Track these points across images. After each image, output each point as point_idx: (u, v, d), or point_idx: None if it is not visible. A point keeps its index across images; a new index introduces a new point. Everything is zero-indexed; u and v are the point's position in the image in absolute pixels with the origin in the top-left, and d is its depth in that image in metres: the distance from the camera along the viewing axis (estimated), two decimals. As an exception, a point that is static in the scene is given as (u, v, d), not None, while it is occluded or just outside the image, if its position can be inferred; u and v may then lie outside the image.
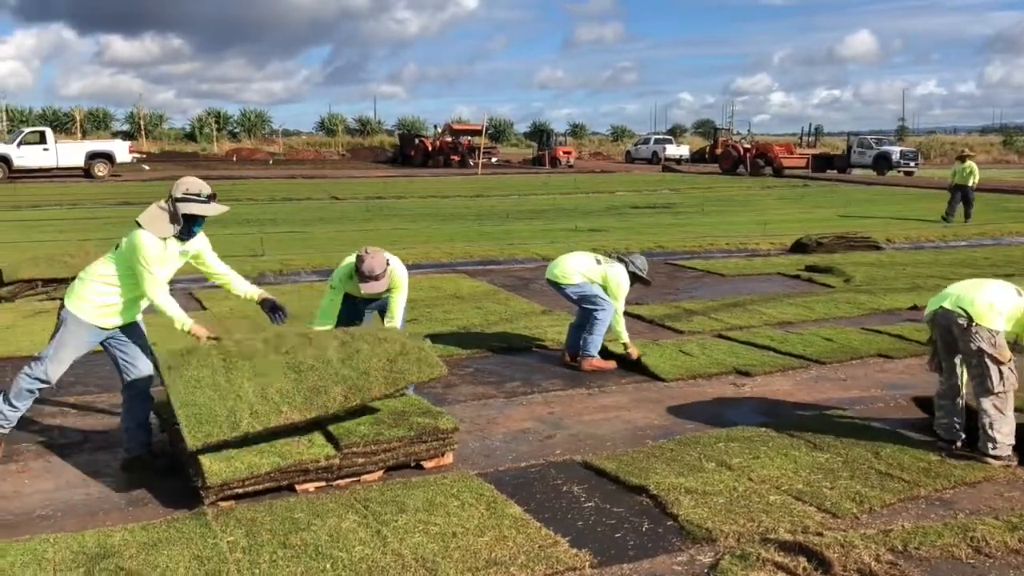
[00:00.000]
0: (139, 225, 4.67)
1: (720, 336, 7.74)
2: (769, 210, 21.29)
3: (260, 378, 4.42)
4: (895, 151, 40.56)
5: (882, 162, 39.41)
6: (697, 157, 49.63)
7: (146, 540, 3.77)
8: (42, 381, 4.69)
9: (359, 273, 5.43)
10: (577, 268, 6.76)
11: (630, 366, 6.74)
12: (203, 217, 4.78)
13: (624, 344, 6.74)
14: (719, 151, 43.62)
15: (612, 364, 6.74)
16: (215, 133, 57.26)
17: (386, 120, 72.10)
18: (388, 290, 5.60)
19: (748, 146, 41.71)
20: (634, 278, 6.87)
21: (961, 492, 4.41)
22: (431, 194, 26.17)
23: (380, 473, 4.58)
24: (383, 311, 5.81)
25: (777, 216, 19.38)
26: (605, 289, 6.69)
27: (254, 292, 5.12)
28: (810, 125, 50.00)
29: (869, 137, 44.44)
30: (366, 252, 5.44)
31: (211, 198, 4.79)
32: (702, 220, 18.58)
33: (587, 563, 3.63)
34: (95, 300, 4.73)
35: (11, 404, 4.69)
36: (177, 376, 4.43)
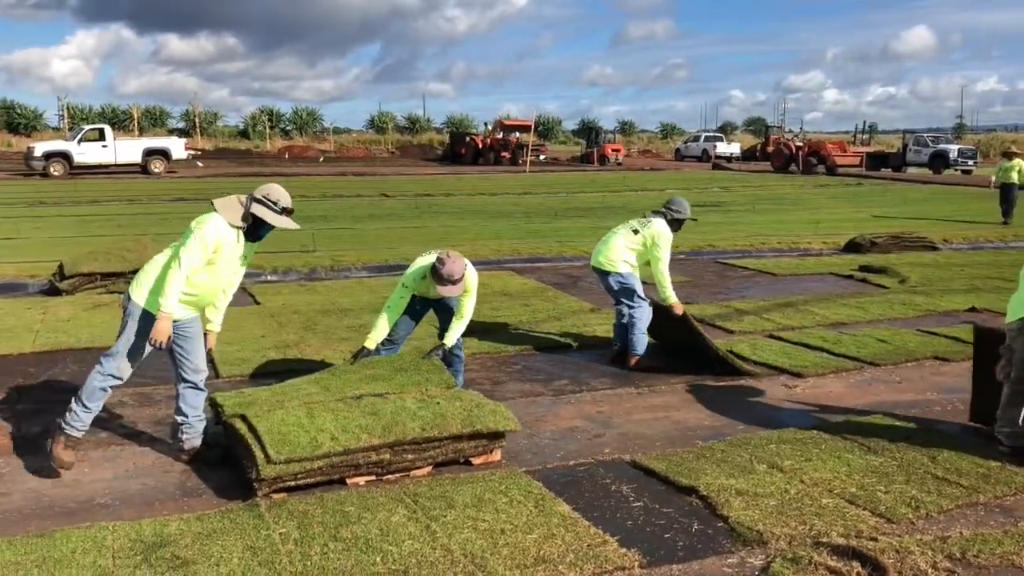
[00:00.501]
0: (213, 208, 4.70)
1: (771, 336, 7.65)
2: (822, 209, 20.96)
3: (341, 419, 4.52)
4: (953, 149, 39.66)
5: (939, 160, 38.57)
6: (748, 155, 49.09)
7: (201, 530, 3.84)
8: (114, 377, 4.67)
9: (437, 276, 5.48)
10: (621, 255, 6.75)
11: (680, 365, 6.69)
12: (271, 226, 4.78)
13: (671, 305, 6.69)
14: (771, 149, 43.12)
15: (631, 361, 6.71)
16: (268, 131, 58.07)
17: (435, 118, 72.60)
18: (462, 292, 5.68)
19: (800, 144, 41.15)
20: (676, 224, 6.84)
21: (1023, 499, 4.30)
22: (479, 191, 26.24)
23: (429, 469, 4.61)
24: (443, 311, 5.86)
25: (830, 215, 19.07)
26: (649, 251, 6.66)
27: (215, 324, 5.02)
28: (864, 123, 49.43)
29: (926, 135, 43.55)
30: (447, 256, 5.50)
31: (286, 211, 4.80)
32: (753, 219, 18.36)
33: (636, 563, 3.61)
34: (151, 283, 4.69)
35: (84, 405, 4.61)
36: (262, 413, 4.52)
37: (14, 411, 5.62)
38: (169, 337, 4.59)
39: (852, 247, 13.48)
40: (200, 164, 37.38)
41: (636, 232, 6.78)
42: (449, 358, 5.85)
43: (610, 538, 3.81)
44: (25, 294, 9.67)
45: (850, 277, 10.99)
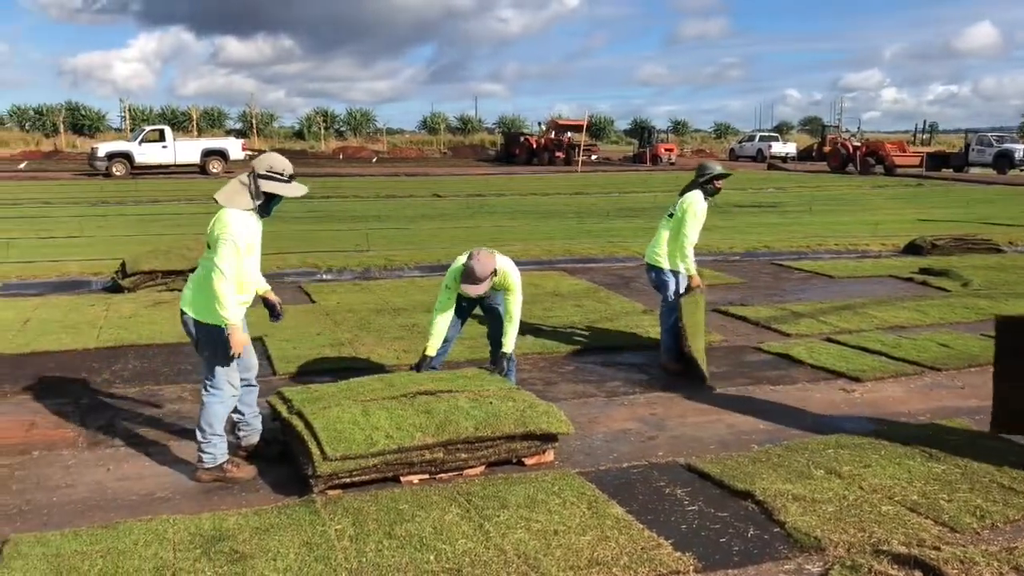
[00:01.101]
0: (217, 203, 4.57)
1: (828, 340, 7.51)
2: (880, 210, 20.55)
3: (395, 417, 4.56)
4: (1018, 149, 38.49)
5: (1003, 160, 37.49)
6: (804, 155, 48.31)
7: (258, 525, 3.91)
8: (234, 395, 4.64)
9: (464, 274, 5.48)
10: (663, 248, 6.74)
11: (734, 370, 6.61)
12: (282, 197, 4.69)
13: (690, 276, 6.60)
14: (827, 149, 42.41)
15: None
16: (322, 131, 58.81)
17: (486, 118, 72.67)
18: (505, 291, 5.66)
19: (858, 144, 40.39)
20: (708, 186, 6.70)
21: (1092, 511, 4.16)
22: (531, 191, 26.25)
23: (482, 468, 4.62)
24: (489, 311, 5.86)
25: (889, 216, 18.69)
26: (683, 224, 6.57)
27: (264, 287, 4.97)
28: (924, 122, 48.49)
29: (989, 134, 42.34)
30: (477, 253, 5.49)
31: (292, 178, 4.70)
32: (809, 220, 18.07)
33: (691, 567, 3.58)
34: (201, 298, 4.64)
35: (217, 434, 4.56)
36: (318, 411, 4.58)
37: (79, 406, 5.77)
38: (245, 344, 4.58)
39: (912, 249, 13.19)
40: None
41: (671, 215, 6.71)
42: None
43: (664, 541, 3.78)
44: (89, 291, 9.92)
45: (910, 280, 10.74)
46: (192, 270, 8.73)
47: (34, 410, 5.67)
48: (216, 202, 4.58)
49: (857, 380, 6.37)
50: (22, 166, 38.51)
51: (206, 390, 4.62)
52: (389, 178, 33.08)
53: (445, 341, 5.83)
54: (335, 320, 8.23)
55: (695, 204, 6.61)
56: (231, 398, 4.64)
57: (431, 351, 5.64)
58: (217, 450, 4.57)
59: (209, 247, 4.56)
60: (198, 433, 4.58)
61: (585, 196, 24.60)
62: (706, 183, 6.71)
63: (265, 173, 4.61)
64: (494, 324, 5.89)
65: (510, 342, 5.71)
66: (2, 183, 28.40)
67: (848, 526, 3.91)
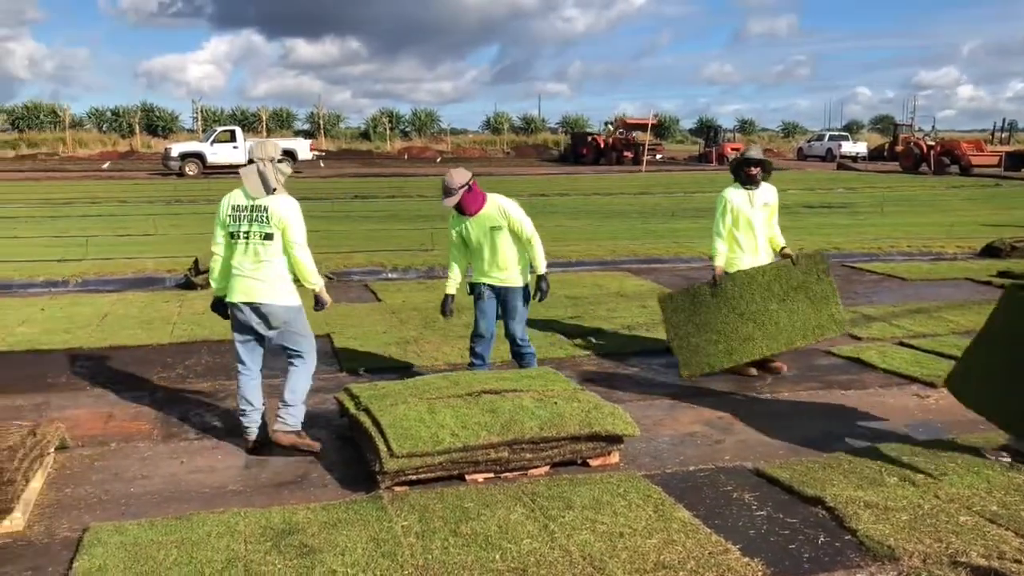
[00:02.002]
0: (270, 192, 4.87)
1: (902, 344, 7.32)
2: (956, 211, 19.95)
3: (461, 416, 4.60)
4: (1103, 147, 37.02)
5: (1087, 159, 36.08)
6: (875, 155, 47.17)
7: (327, 520, 3.96)
8: (315, 364, 5.15)
9: (442, 189, 5.70)
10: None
11: (803, 373, 6.48)
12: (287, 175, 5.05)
13: (714, 266, 6.53)
14: (900, 148, 41.30)
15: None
16: (388, 132, 59.46)
17: (549, 118, 72.64)
18: (508, 223, 5.71)
19: (932, 143, 39.22)
20: (737, 173, 6.51)
21: None
22: (594, 191, 26.15)
23: (546, 468, 4.62)
24: (508, 310, 5.85)
25: (965, 217, 18.12)
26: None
27: (313, 284, 5.10)
28: (1003, 120, 46.53)
29: (1072, 132, 40.74)
30: (450, 169, 5.74)
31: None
32: (881, 221, 17.63)
33: (759, 573, 3.52)
34: (288, 280, 4.96)
35: (298, 399, 4.96)
36: (385, 408, 4.65)
37: (154, 399, 5.93)
38: (330, 299, 5.20)
39: (990, 251, 12.76)
40: (322, 164, 38.55)
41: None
42: (520, 355, 5.94)
43: (732, 546, 3.72)
44: (163, 288, 10.20)
45: (988, 283, 10.40)
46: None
47: (112, 403, 5.85)
48: (251, 195, 4.90)
49: (932, 386, 6.19)
50: (105, 166, 39.80)
51: (295, 364, 5.03)
52: (453, 178, 33.24)
53: (483, 338, 5.86)
54: (400, 318, 8.31)
55: (720, 196, 6.53)
56: (314, 367, 5.10)
57: (450, 289, 5.93)
58: (299, 415, 4.94)
59: (266, 237, 4.85)
60: (287, 397, 4.93)
61: (649, 196, 24.40)
62: (735, 170, 6.54)
63: (284, 159, 5.02)
64: (510, 323, 5.87)
65: (541, 263, 5.79)
66: (82, 183, 29.38)
67: (923, 536, 3.80)
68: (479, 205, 5.70)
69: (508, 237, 5.73)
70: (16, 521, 3.94)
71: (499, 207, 5.71)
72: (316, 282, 5.05)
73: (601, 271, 11.37)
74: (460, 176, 5.66)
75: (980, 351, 4.95)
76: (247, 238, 4.87)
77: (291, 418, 4.89)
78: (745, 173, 6.48)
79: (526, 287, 5.83)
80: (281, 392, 4.96)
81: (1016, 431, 4.70)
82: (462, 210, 5.71)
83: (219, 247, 5.04)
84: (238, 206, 4.94)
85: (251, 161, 4.97)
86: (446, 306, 5.96)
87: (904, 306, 8.92)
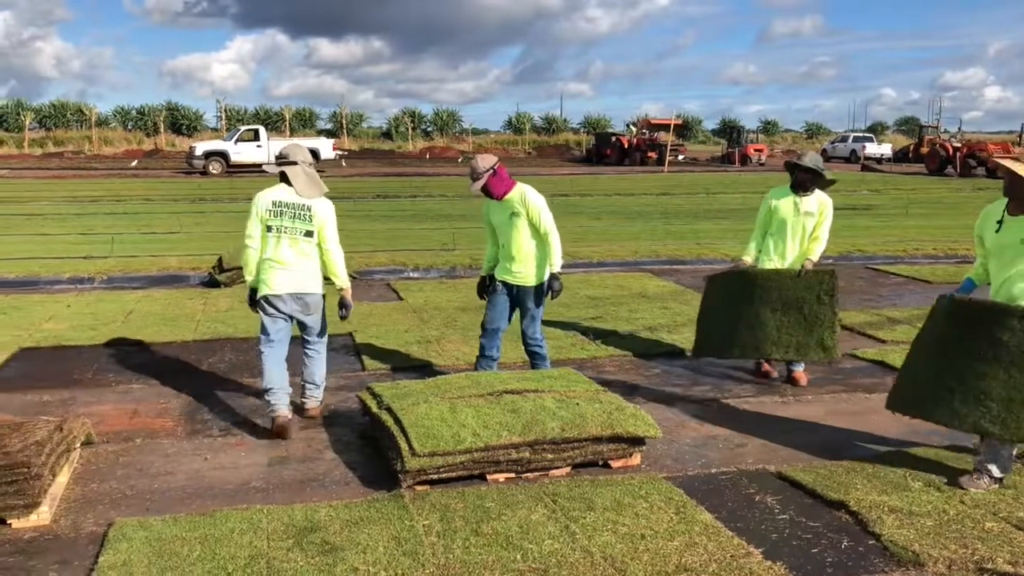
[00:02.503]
0: (321, 194, 5.36)
1: (927, 347, 7.24)
2: (982, 213, 19.71)
3: (482, 415, 4.61)
4: None
5: (1117, 162, 35.53)
6: (900, 156, 46.77)
7: (348, 518, 3.98)
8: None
9: (469, 173, 5.76)
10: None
11: (828, 376, 6.43)
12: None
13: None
14: (924, 150, 40.94)
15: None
16: (410, 132, 59.63)
17: (571, 118, 72.55)
18: (527, 211, 5.67)
19: (958, 145, 38.82)
20: (792, 171, 6.43)
21: None
22: (616, 192, 26.10)
23: (568, 469, 4.61)
24: (524, 311, 5.82)
25: (991, 220, 17.90)
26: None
27: (342, 281, 5.48)
28: (1031, 121, 45.90)
29: (1102, 134, 40.24)
30: (476, 153, 5.80)
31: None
32: (905, 223, 17.47)
33: (782, 577, 3.50)
34: (320, 272, 5.42)
35: (322, 380, 5.63)
36: (407, 407, 4.67)
37: (179, 396, 5.98)
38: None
39: (1017, 254, 12.60)
40: (344, 164, 38.71)
41: None
42: (532, 355, 5.93)
43: (754, 550, 3.70)
44: (187, 285, 10.28)
45: (1015, 287, 10.27)
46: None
47: (136, 399, 5.91)
48: (301, 195, 5.29)
49: (958, 390, 6.12)
50: (134, 163, 40.19)
51: (317, 350, 5.55)
52: (475, 178, 33.29)
53: (487, 331, 5.87)
54: (422, 318, 8.33)
55: (775, 198, 6.49)
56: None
57: (484, 272, 6.00)
58: (321, 394, 5.63)
59: (307, 235, 5.26)
60: (315, 379, 5.54)
61: (672, 197, 24.31)
62: (789, 171, 6.47)
63: (312, 161, 5.49)
64: (525, 314, 5.83)
65: (556, 259, 5.70)
66: (107, 180, 29.68)
67: (949, 542, 3.76)
68: (504, 189, 5.73)
69: (526, 228, 5.68)
70: (43, 515, 3.99)
71: (521, 193, 5.72)
72: (345, 280, 5.45)
73: (623, 272, 11.34)
74: (485, 161, 5.74)
75: (917, 363, 4.85)
76: (288, 233, 5.21)
77: (320, 393, 5.59)
78: (795, 178, 6.40)
79: (540, 286, 5.76)
80: (306, 376, 5.53)
81: (961, 425, 4.52)
82: (489, 194, 5.73)
83: (254, 240, 5.26)
84: (281, 202, 5.22)
85: (287, 161, 5.30)
86: (481, 287, 6.02)
87: (929, 309, 8.81)
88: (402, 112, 64.49)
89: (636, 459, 4.77)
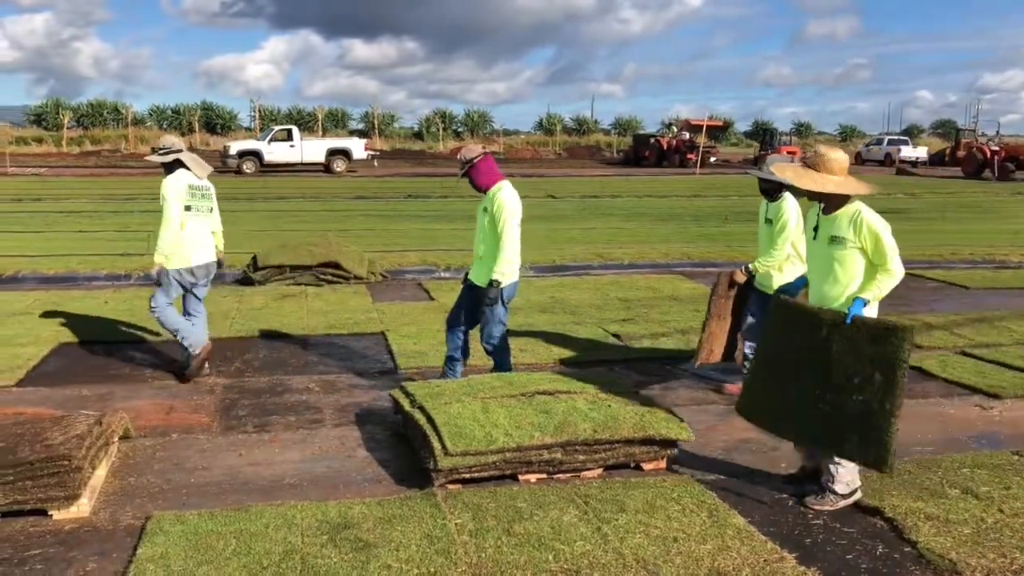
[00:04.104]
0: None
1: (964, 353, 7.15)
2: (1020, 218, 19.42)
3: (514, 416, 4.62)
4: None
5: None
6: (936, 160, 46.19)
7: (382, 515, 4.01)
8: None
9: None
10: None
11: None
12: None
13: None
14: (961, 153, 40.42)
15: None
16: (440, 132, 59.79)
17: (602, 119, 72.31)
18: (493, 211, 5.53)
19: (996, 148, 38.22)
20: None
21: None
22: (647, 193, 26.00)
23: (600, 471, 4.61)
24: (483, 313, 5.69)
25: (1030, 225, 17.63)
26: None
27: (222, 248, 6.71)
28: (1072, 125, 45.08)
29: None
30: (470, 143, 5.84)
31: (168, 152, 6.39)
32: (942, 227, 17.24)
33: (816, 583, 3.48)
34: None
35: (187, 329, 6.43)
36: (439, 406, 4.70)
37: (214, 392, 6.05)
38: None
39: (1056, 260, 12.41)
40: (375, 164, 38.88)
41: None
42: (490, 357, 5.87)
43: (788, 555, 3.68)
44: (222, 283, 10.36)
45: (1054, 293, 10.11)
46: (320, 265, 9.41)
47: (173, 394, 5.99)
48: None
49: (996, 397, 6.04)
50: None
51: (201, 310, 6.52)
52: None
53: (448, 326, 5.89)
54: (453, 318, 8.35)
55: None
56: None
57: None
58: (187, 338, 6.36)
59: (210, 211, 6.57)
60: (205, 338, 6.40)
61: (704, 199, 24.18)
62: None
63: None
64: (482, 321, 5.74)
65: (501, 267, 5.47)
66: (143, 179, 30.07)
67: (987, 550, 3.71)
68: (485, 183, 5.64)
69: (492, 226, 5.56)
70: (83, 507, 4.06)
71: (496, 190, 5.60)
72: (222, 246, 6.69)
73: (654, 274, 11.30)
74: (469, 152, 5.76)
75: (759, 369, 4.68)
76: (202, 212, 6.37)
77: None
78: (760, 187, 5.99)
79: (503, 291, 5.59)
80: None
81: (798, 439, 4.44)
82: (473, 185, 5.71)
83: (176, 222, 6.21)
84: (193, 185, 6.30)
85: (175, 150, 6.36)
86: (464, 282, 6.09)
87: (966, 315, 8.72)
88: (433, 113, 64.73)
89: (667, 461, 4.75)
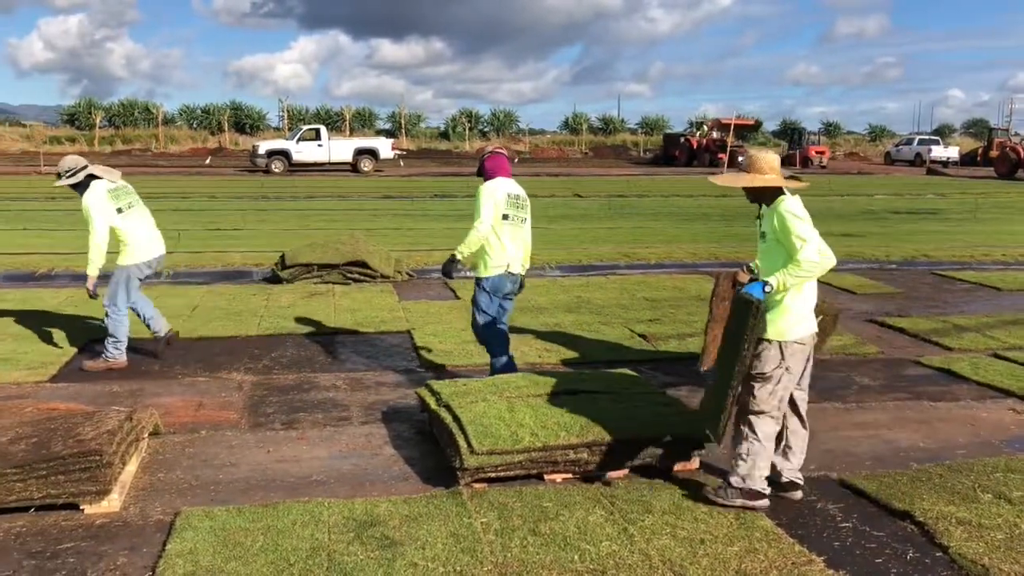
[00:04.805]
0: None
1: (996, 356, 7.05)
2: (1055, 219, 19.11)
3: (540, 415, 4.62)
4: None
5: None
6: (967, 160, 45.56)
7: (408, 513, 4.02)
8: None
9: None
10: None
11: (892, 382, 6.30)
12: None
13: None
14: (994, 153, 39.83)
15: None
16: (466, 132, 59.87)
17: (628, 119, 72.01)
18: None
19: (1030, 147, 37.67)
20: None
21: None
22: (673, 193, 25.91)
23: (626, 471, 4.59)
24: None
25: (1065, 226, 17.34)
26: None
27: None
28: (1109, 124, 44.31)
29: None
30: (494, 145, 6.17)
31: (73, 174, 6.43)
32: (974, 228, 17.01)
33: (845, 587, 3.44)
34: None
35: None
36: (465, 405, 4.72)
37: (242, 389, 6.10)
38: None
39: (1092, 262, 12.20)
40: (402, 164, 39.02)
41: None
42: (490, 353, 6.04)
43: (816, 558, 3.65)
44: (251, 281, 10.48)
45: (1090, 295, 9.94)
46: (346, 264, 9.41)
47: (202, 391, 6.05)
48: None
49: (1029, 400, 5.95)
50: (207, 161, 41.08)
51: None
52: (531, 178, 33.33)
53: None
54: (479, 317, 8.36)
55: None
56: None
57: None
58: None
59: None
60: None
61: (730, 199, 23.99)
62: None
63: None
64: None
65: (461, 245, 6.03)
66: (173, 178, 30.40)
67: (1020, 556, 3.65)
68: (486, 177, 6.17)
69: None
70: (113, 502, 4.11)
71: (483, 183, 6.05)
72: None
73: (681, 274, 11.25)
74: (482, 151, 6.17)
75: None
76: (135, 206, 6.61)
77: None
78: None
79: (479, 280, 6.02)
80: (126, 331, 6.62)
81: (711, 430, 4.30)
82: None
83: (104, 234, 6.39)
84: (116, 187, 6.47)
85: (83, 164, 6.45)
86: (450, 269, 6.42)
87: (999, 317, 8.59)
88: (459, 112, 64.73)
89: (695, 463, 4.73)
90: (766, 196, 4.33)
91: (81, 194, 6.39)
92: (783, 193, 4.29)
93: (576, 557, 3.62)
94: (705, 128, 46.25)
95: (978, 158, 43.93)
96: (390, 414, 5.58)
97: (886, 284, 10.57)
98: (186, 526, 3.87)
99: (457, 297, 9.40)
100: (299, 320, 8.09)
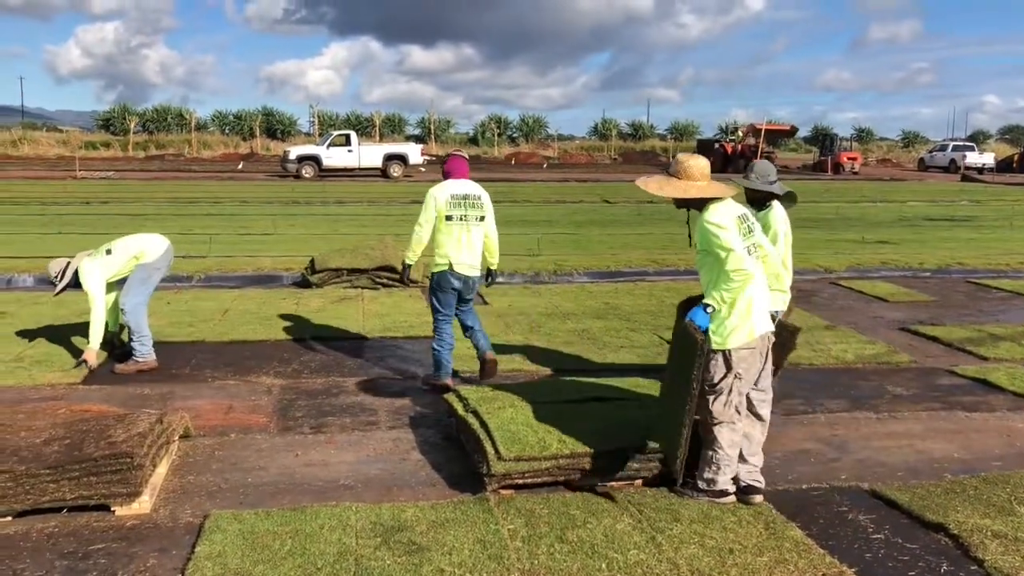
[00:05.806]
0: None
1: (1033, 366, 6.93)
2: (1093, 227, 18.76)
3: (568, 422, 4.60)
4: None
5: None
6: (1003, 166, 44.90)
7: (435, 519, 4.02)
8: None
9: None
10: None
11: (924, 392, 6.21)
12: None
13: None
14: (1031, 159, 39.16)
15: None
16: (496, 137, 60.00)
17: (658, 124, 71.84)
18: None
19: (1068, 154, 37.03)
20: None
21: None
22: (704, 200, 25.67)
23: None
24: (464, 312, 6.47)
25: (1104, 234, 17.02)
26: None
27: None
28: None
29: None
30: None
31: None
32: (1010, 236, 16.74)
33: (877, 599, 3.39)
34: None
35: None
36: (493, 411, 4.72)
37: (272, 393, 6.14)
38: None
39: None
40: (423, 169, 39.09)
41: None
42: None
43: (848, 569, 3.59)
44: (280, 285, 10.56)
45: None
46: (376, 269, 9.45)
47: (232, 394, 6.09)
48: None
49: (1067, 412, 5.84)
50: (240, 167, 41.52)
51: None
52: (559, 184, 33.32)
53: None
54: (506, 322, 8.37)
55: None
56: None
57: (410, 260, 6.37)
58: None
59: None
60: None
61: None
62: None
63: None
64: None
65: (408, 249, 6.32)
66: (205, 182, 30.73)
67: (1057, 571, 3.58)
68: (444, 177, 6.42)
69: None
70: (144, 504, 4.15)
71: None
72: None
73: (710, 281, 11.15)
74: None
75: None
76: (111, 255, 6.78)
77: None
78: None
79: (432, 275, 6.20)
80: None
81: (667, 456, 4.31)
82: None
83: (102, 302, 6.64)
84: (95, 253, 6.71)
85: (66, 265, 6.67)
86: (404, 276, 6.59)
87: (1035, 326, 8.44)
88: (488, 118, 64.94)
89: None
90: (695, 202, 4.30)
91: (79, 284, 6.59)
92: (712, 200, 4.24)
93: (604, 565, 3.59)
94: (740, 134, 45.81)
95: (1014, 164, 43.32)
96: (417, 419, 5.59)
97: (919, 292, 10.43)
98: (215, 529, 3.89)
99: (485, 303, 9.40)
100: (328, 324, 8.13)
